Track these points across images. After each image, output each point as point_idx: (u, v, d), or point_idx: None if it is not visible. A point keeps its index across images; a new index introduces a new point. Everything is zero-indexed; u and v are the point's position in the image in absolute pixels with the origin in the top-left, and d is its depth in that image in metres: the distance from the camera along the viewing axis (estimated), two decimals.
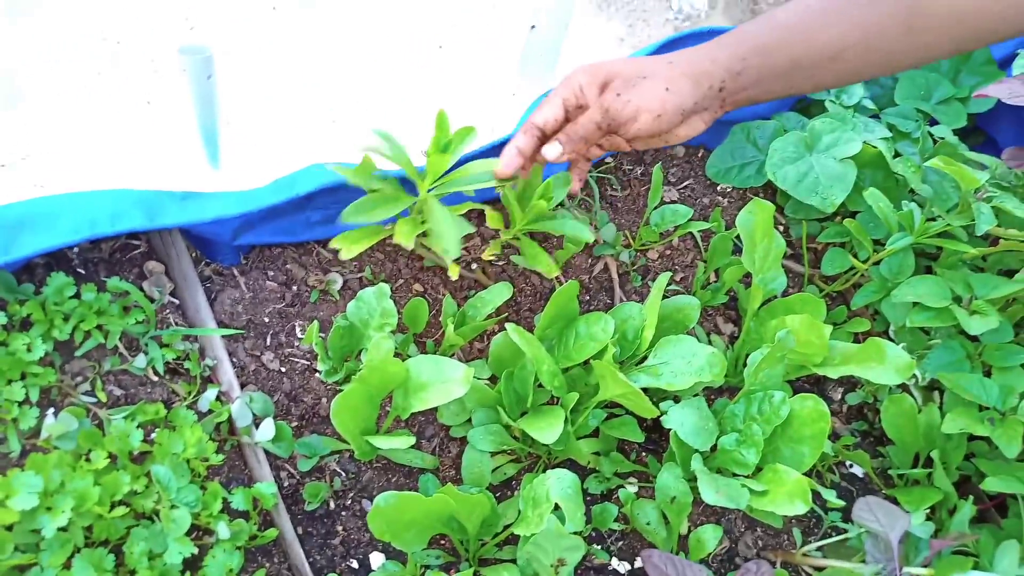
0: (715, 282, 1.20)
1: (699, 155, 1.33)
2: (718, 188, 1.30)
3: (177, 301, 0.98)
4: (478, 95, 1.37)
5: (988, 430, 0.99)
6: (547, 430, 0.88)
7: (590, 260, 1.19)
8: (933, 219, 1.11)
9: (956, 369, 1.06)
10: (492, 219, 0.98)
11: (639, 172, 1.29)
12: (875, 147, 1.13)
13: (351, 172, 0.89)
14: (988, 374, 1.06)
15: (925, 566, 0.93)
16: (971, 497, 1.00)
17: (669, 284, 1.20)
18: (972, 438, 1.09)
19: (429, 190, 0.94)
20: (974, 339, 1.09)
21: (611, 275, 1.18)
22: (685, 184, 1.30)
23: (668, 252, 1.22)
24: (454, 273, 0.94)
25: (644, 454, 1.08)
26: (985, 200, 1.11)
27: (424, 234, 0.95)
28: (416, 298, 0.99)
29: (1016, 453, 0.95)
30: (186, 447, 0.83)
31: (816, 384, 1.20)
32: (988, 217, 1.08)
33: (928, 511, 1.03)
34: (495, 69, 1.40)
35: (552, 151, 0.88)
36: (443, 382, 0.87)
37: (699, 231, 1.22)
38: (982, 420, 1.00)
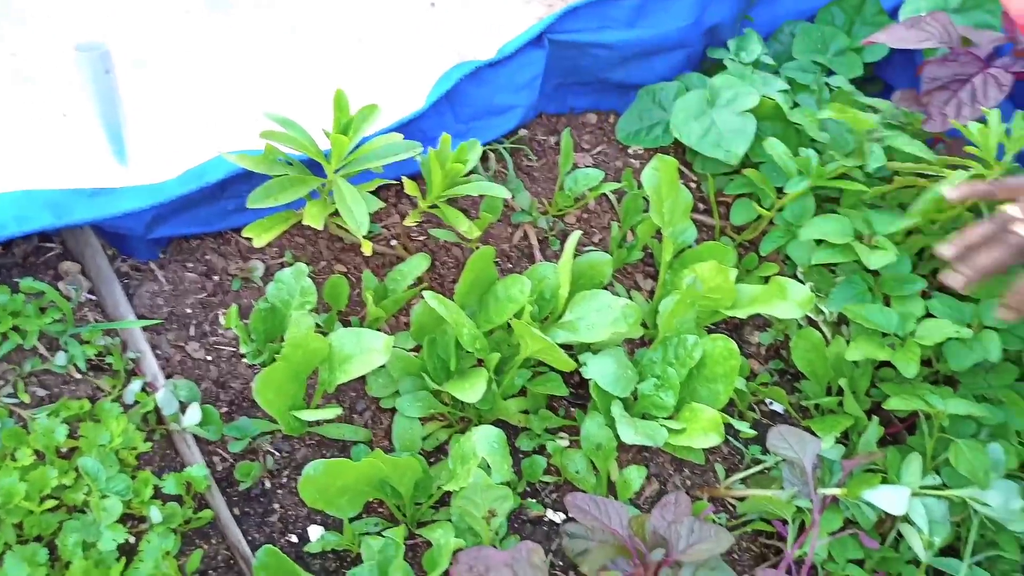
0: (631, 240, 1.24)
1: (610, 120, 1.37)
2: (629, 151, 1.34)
3: (95, 298, 0.98)
4: (385, 76, 1.38)
5: (889, 354, 1.04)
6: (471, 390, 0.91)
7: (510, 229, 1.22)
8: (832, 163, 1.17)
9: (859, 301, 1.12)
10: (409, 187, 1.01)
11: (553, 141, 1.32)
12: (773, 99, 1.18)
13: (253, 159, 0.91)
14: (888, 303, 1.12)
15: (839, 486, 0.99)
16: (876, 418, 1.06)
17: (587, 245, 1.24)
18: (880, 367, 1.16)
19: (337, 170, 0.96)
20: (875, 273, 1.15)
21: (531, 241, 1.21)
22: (598, 150, 1.34)
23: (585, 215, 1.26)
24: (367, 249, 0.96)
25: (573, 409, 1.12)
26: (877, 140, 1.17)
27: (337, 214, 0.97)
28: (335, 276, 1.01)
29: (914, 373, 1.01)
30: (112, 438, 0.84)
31: (734, 330, 1.25)
32: (879, 155, 1.14)
33: (842, 436, 1.10)
34: (401, 50, 1.42)
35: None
36: (365, 352, 0.90)
37: (612, 192, 1.26)
38: (883, 346, 1.06)
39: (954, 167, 1.09)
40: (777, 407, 1.21)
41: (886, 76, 1.55)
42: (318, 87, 1.41)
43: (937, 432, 1.04)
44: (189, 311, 1.02)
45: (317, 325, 1.02)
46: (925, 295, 1.13)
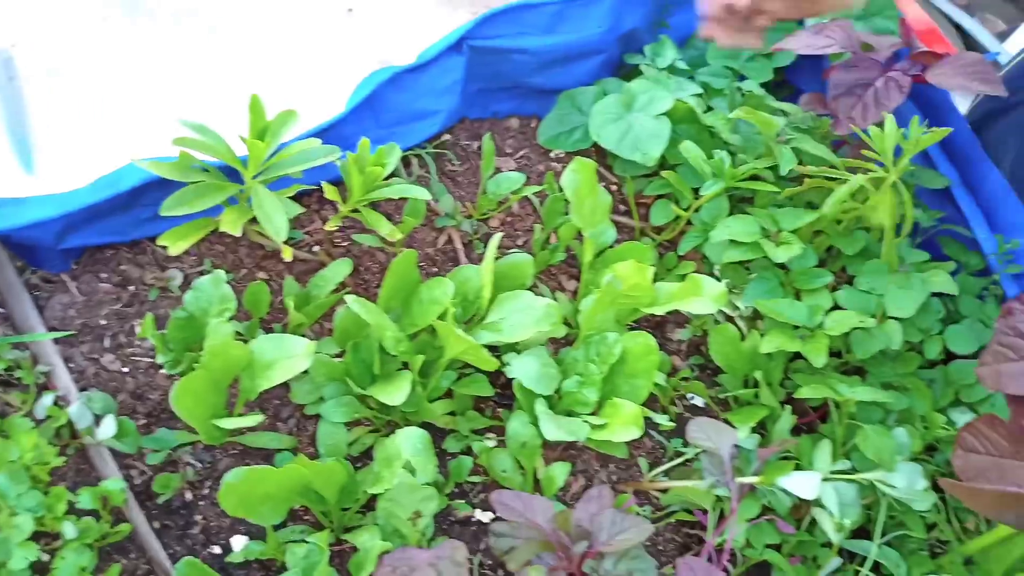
0: (554, 242, 1.26)
1: (532, 125, 1.39)
2: (552, 155, 1.36)
3: (3, 312, 0.95)
4: (307, 82, 1.38)
5: (800, 346, 1.09)
6: (395, 393, 0.91)
7: (434, 233, 1.23)
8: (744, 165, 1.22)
9: (771, 296, 1.16)
10: (329, 192, 1.01)
11: (476, 146, 1.33)
12: (687, 103, 1.22)
13: (166, 166, 0.89)
14: (799, 297, 1.17)
15: (756, 474, 1.02)
16: (789, 408, 1.11)
17: (511, 247, 1.25)
18: (793, 358, 1.20)
19: (254, 176, 0.95)
20: (786, 269, 1.20)
21: (455, 245, 1.22)
22: (521, 153, 1.36)
23: (508, 218, 1.28)
24: (287, 255, 0.96)
25: (500, 409, 1.13)
26: (785, 143, 1.22)
27: (256, 221, 0.96)
28: (255, 282, 1.01)
29: (823, 363, 1.06)
30: (23, 453, 0.81)
31: (656, 327, 1.29)
32: (790, 157, 1.19)
33: (758, 426, 1.14)
34: (321, 56, 1.42)
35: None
36: (287, 358, 0.89)
37: (535, 195, 1.28)
38: (795, 338, 1.10)
39: (855, 170, 1.15)
40: (698, 401, 1.24)
41: (796, 80, 1.61)
42: (238, 94, 1.39)
43: (846, 419, 1.09)
44: (104, 323, 1.00)
45: (238, 333, 1.01)
46: (833, 289, 1.18)
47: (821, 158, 1.19)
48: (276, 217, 0.91)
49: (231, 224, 0.92)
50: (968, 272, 1.29)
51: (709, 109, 1.33)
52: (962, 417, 1.14)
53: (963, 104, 1.62)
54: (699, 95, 1.25)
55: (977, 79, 1.16)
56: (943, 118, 1.38)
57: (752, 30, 1.19)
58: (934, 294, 1.18)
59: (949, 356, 1.22)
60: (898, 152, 1.12)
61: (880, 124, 1.13)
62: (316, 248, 1.13)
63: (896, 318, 1.13)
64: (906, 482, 1.02)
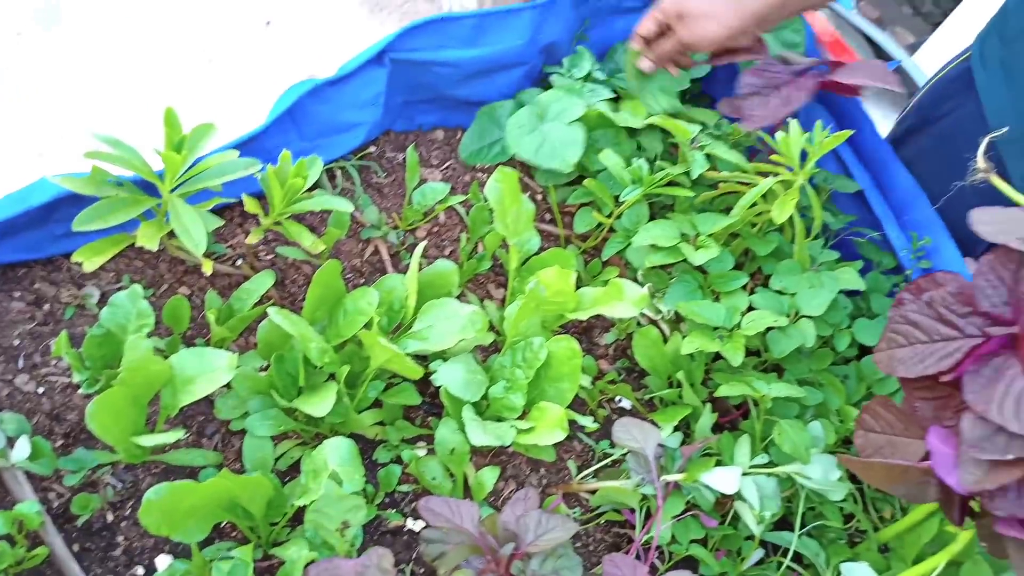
0: (481, 251, 1.28)
1: (457, 137, 1.40)
2: (477, 165, 1.38)
3: None
4: (228, 94, 1.37)
5: (719, 346, 1.13)
6: (320, 404, 0.91)
7: (360, 244, 1.23)
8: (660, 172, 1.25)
9: (691, 298, 1.20)
10: (249, 205, 1.00)
11: (401, 158, 1.34)
12: (597, 108, 1.25)
13: (79, 181, 0.88)
14: (717, 299, 1.21)
15: (680, 472, 1.05)
16: (710, 406, 1.14)
17: (439, 256, 1.26)
18: (715, 359, 1.24)
19: (172, 190, 0.94)
20: (705, 272, 1.24)
21: (382, 256, 1.23)
22: (448, 165, 1.37)
23: (435, 228, 1.29)
24: (207, 268, 0.95)
25: (430, 418, 1.14)
26: (699, 149, 1.26)
27: (175, 235, 0.95)
28: (175, 297, 0.99)
29: (740, 362, 1.09)
30: None
31: (584, 332, 1.31)
32: (701, 162, 1.23)
33: (683, 426, 1.17)
34: (243, 69, 1.41)
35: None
36: (209, 372, 0.88)
37: (460, 204, 1.29)
38: (714, 339, 1.14)
39: (765, 174, 1.20)
40: (626, 403, 1.27)
41: (712, 92, 1.67)
42: (155, 108, 1.38)
43: (764, 415, 1.13)
44: (17, 343, 0.97)
45: (159, 349, 1.00)
46: (752, 290, 1.22)
47: (733, 163, 1.24)
48: (194, 230, 0.91)
49: (148, 238, 0.91)
50: (881, 271, 1.36)
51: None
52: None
53: (885, 127, 1.69)
54: (610, 99, 1.28)
55: (878, 79, 1.23)
56: (854, 126, 1.45)
57: (676, 60, 1.26)
58: (848, 293, 1.24)
59: (863, 351, 1.28)
60: (805, 156, 1.18)
61: (787, 129, 1.19)
62: (239, 261, 1.12)
63: (808, 316, 1.18)
64: (821, 473, 1.06)
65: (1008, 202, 0.89)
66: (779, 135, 1.16)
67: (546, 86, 1.45)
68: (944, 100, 1.43)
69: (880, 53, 3.63)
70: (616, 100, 1.33)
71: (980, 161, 1.07)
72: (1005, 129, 1.14)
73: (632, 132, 1.35)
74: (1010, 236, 0.77)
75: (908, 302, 0.84)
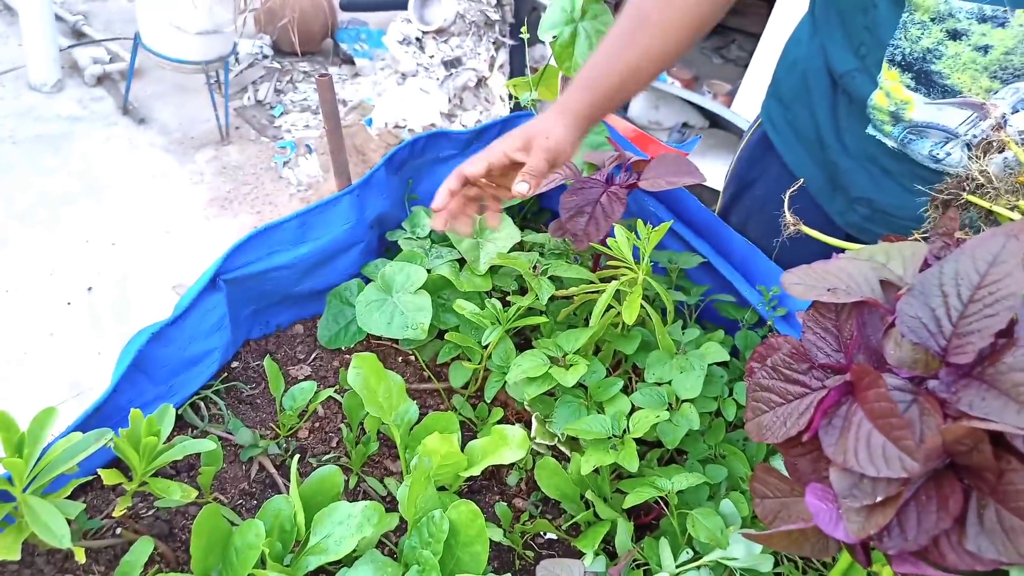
0: (365, 435, 1.28)
1: (317, 327, 1.42)
2: (344, 349, 1.39)
3: None
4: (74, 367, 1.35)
5: (614, 456, 1.15)
6: None
7: (244, 467, 1.21)
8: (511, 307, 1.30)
9: (576, 417, 1.22)
10: (108, 476, 0.98)
11: (264, 368, 1.34)
12: (438, 273, 1.30)
13: None
14: (602, 410, 1.24)
15: None
16: (623, 517, 1.15)
17: (327, 452, 1.26)
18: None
19: (24, 489, 0.91)
20: (584, 387, 1.27)
21: (269, 471, 1.21)
22: (314, 356, 1.38)
23: (317, 424, 1.29)
24: (80, 557, 0.91)
25: None
26: (543, 274, 1.32)
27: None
28: None
29: (636, 467, 1.11)
30: None
31: (492, 477, 1.31)
32: (547, 287, 1.29)
33: (609, 543, 1.17)
34: (67, 338, 1.40)
35: (521, 188, 1.11)
36: None
37: (335, 393, 1.30)
38: (608, 450, 1.16)
39: (608, 279, 1.26)
40: (552, 535, 1.26)
41: (551, 205, 1.76)
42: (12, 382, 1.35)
43: (678, 509, 1.15)
44: None
45: None
46: (630, 390, 1.26)
47: (579, 278, 1.30)
48: (55, 526, 0.87)
49: (8, 550, 0.87)
50: (748, 327, 1.43)
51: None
52: (779, 461, 1.22)
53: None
54: (452, 260, 1.33)
55: (681, 174, 1.33)
56: (682, 205, 1.55)
57: (466, 215, 1.20)
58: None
59: None
60: (639, 253, 1.25)
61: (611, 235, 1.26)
62: (119, 530, 1.08)
63: (689, 400, 1.22)
64: (744, 551, 1.07)
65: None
66: (610, 242, 1.23)
67: (391, 252, 1.50)
68: (754, 164, 1.55)
69: (706, 113, 3.91)
70: (461, 260, 1.38)
71: (788, 217, 1.16)
72: (800, 182, 1.25)
73: (492, 269, 1.40)
74: (820, 290, 0.83)
75: (757, 370, 0.88)
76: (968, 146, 1.16)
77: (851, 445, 0.77)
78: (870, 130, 1.26)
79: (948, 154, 1.18)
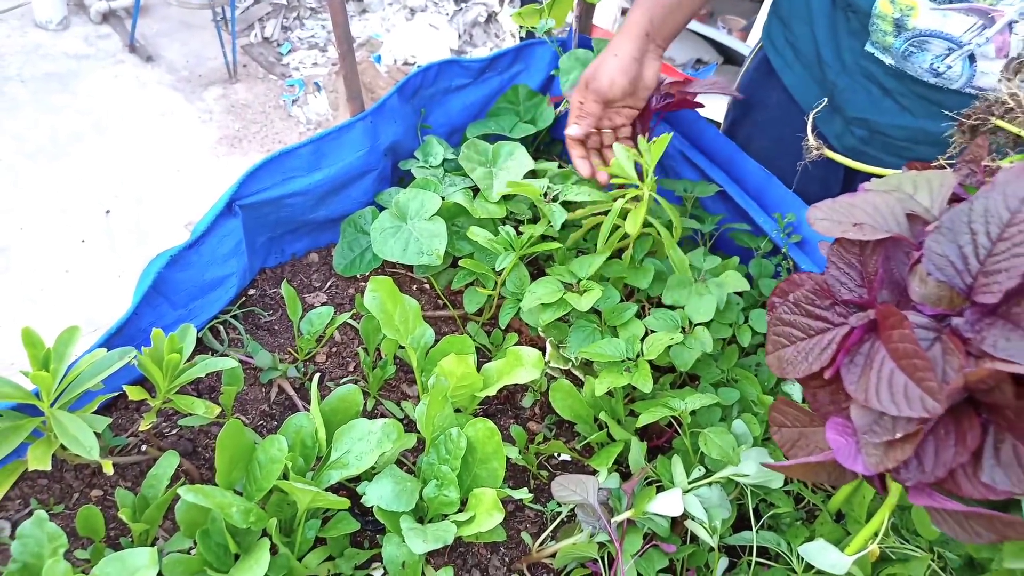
0: (382, 359, 1.30)
1: (332, 256, 1.43)
2: (359, 277, 1.40)
3: None
4: (85, 288, 1.36)
5: (628, 378, 1.16)
6: (255, 567, 0.90)
7: (263, 389, 1.23)
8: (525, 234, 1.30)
9: (590, 341, 1.24)
10: (133, 392, 1.00)
11: (280, 296, 1.36)
12: (452, 200, 1.30)
13: None
14: (616, 334, 1.25)
15: (629, 508, 1.07)
16: (636, 437, 1.17)
17: (344, 376, 1.28)
18: (635, 388, 1.28)
19: (52, 404, 0.94)
20: (597, 312, 1.28)
21: (288, 393, 1.23)
22: (330, 284, 1.40)
23: (333, 350, 1.30)
24: (108, 469, 0.94)
25: (378, 536, 1.13)
26: (554, 199, 1.32)
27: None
28: (85, 507, 0.98)
29: (650, 388, 1.13)
30: None
31: (507, 401, 1.34)
32: (559, 213, 1.28)
33: (622, 463, 1.20)
34: (91, 256, 1.41)
35: (571, 131, 1.30)
36: (132, 573, 0.87)
37: (351, 318, 1.31)
38: (622, 372, 1.18)
39: (617, 198, 1.25)
40: (566, 456, 1.29)
41: (560, 135, 1.75)
42: (14, 325, 1.37)
43: (691, 428, 1.17)
44: None
45: (87, 561, 0.98)
46: (644, 315, 1.27)
47: (590, 200, 1.30)
48: (83, 437, 0.90)
49: (39, 460, 0.90)
50: (762, 255, 1.43)
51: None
52: (793, 388, 1.24)
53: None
54: (466, 188, 1.33)
55: (713, 88, 1.33)
56: (698, 133, 1.54)
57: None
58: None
59: None
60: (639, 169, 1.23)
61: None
62: (144, 447, 1.11)
63: (704, 324, 1.23)
64: (755, 468, 1.09)
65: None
66: (612, 160, 1.22)
67: (404, 181, 1.50)
68: (755, 88, 1.53)
69: (720, 48, 3.83)
70: (475, 188, 1.37)
71: (811, 140, 1.14)
72: (823, 103, 1.23)
73: (505, 197, 1.40)
74: (846, 225, 0.81)
75: (779, 305, 0.88)
76: (971, 57, 1.14)
77: (873, 384, 0.74)
78: (869, 47, 1.24)
79: (949, 67, 1.16)
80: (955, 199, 0.83)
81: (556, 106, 1.60)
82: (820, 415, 0.87)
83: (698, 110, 1.45)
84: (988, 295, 0.67)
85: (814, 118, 1.39)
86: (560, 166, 1.46)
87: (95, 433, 0.93)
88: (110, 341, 1.07)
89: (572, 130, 1.30)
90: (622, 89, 1.25)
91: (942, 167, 0.94)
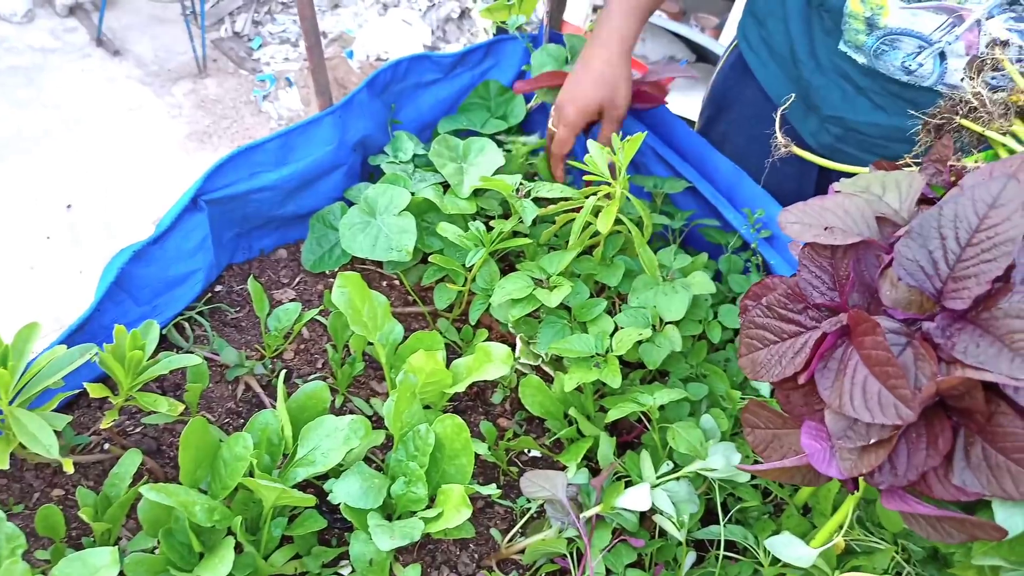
0: (350, 355, 1.29)
1: (300, 251, 1.42)
2: (327, 273, 1.39)
3: None
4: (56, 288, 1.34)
5: (597, 374, 1.16)
6: (219, 566, 0.89)
7: (230, 387, 1.22)
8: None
9: (561, 336, 1.24)
10: (94, 390, 0.98)
11: (248, 292, 1.34)
12: (422, 196, 1.29)
13: None
14: (586, 330, 1.25)
15: (598, 504, 1.08)
16: (605, 432, 1.17)
17: (313, 373, 1.26)
18: (604, 384, 1.28)
19: (11, 402, 0.92)
20: (568, 308, 1.28)
21: (255, 391, 1.22)
22: (298, 280, 1.38)
23: (301, 346, 1.29)
24: (68, 467, 0.92)
25: (346, 534, 1.12)
26: (526, 195, 1.32)
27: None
28: (45, 506, 0.96)
29: (619, 383, 1.13)
30: None
31: (477, 397, 1.33)
32: (530, 209, 1.28)
33: (591, 459, 1.20)
34: (48, 254, 1.39)
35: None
36: (93, 573, 0.85)
37: (320, 314, 1.30)
38: (591, 368, 1.18)
39: (590, 195, 1.25)
40: (536, 452, 1.29)
41: (531, 127, 1.75)
42: None
43: (660, 424, 1.17)
44: None
45: (47, 562, 0.96)
46: (614, 312, 1.27)
47: (562, 197, 1.30)
48: (42, 436, 0.88)
49: None
50: (732, 251, 1.44)
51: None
52: (761, 384, 1.25)
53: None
54: (436, 184, 1.32)
55: (677, 72, 1.34)
56: (669, 130, 1.54)
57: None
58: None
59: (737, 333, 1.34)
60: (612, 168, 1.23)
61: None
62: (107, 445, 1.09)
63: (673, 322, 1.23)
64: (723, 462, 1.10)
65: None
66: (586, 157, 1.22)
67: (374, 176, 1.48)
68: (730, 86, 1.54)
69: (693, 47, 3.85)
70: (445, 184, 1.37)
71: (779, 138, 1.15)
72: (791, 98, 1.24)
73: (476, 192, 1.39)
74: (817, 229, 0.81)
75: (752, 308, 0.88)
76: (942, 55, 1.15)
77: (847, 390, 0.73)
78: (842, 46, 1.26)
79: (920, 65, 1.18)
80: (923, 199, 0.84)
81: (527, 99, 1.60)
82: (793, 417, 0.87)
83: (672, 109, 1.46)
84: (958, 301, 0.67)
85: (790, 116, 1.40)
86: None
87: (55, 431, 0.92)
88: (72, 338, 1.05)
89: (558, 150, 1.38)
90: (599, 104, 1.31)
91: (908, 166, 0.95)
